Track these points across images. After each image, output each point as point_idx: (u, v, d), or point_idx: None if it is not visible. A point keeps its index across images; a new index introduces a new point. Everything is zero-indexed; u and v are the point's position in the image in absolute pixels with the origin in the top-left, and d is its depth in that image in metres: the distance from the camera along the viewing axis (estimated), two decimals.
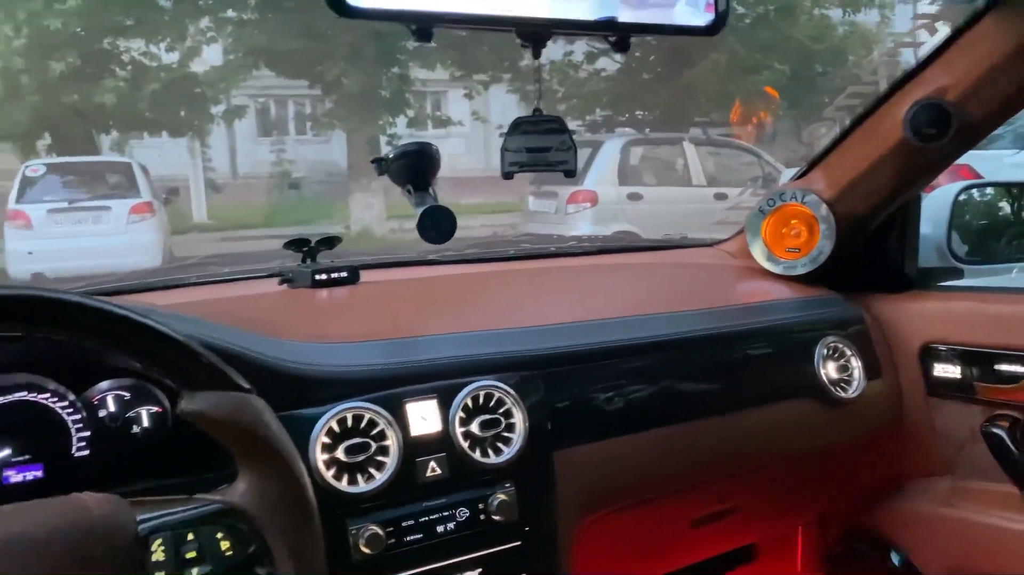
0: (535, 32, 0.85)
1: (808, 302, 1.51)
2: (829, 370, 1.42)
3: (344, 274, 1.41)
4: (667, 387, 1.30)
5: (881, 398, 1.48)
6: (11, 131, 10.67)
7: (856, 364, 1.45)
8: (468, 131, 16.33)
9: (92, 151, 11.60)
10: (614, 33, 0.84)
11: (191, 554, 0.71)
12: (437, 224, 1.17)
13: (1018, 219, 1.81)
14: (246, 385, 0.77)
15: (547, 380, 1.19)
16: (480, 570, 1.10)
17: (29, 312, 0.69)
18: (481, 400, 1.13)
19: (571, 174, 0.99)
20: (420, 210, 1.19)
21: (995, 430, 1.35)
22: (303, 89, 13.98)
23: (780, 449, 1.40)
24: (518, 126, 0.96)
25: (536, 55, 0.89)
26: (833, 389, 1.41)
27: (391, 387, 1.09)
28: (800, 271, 1.56)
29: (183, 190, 14.46)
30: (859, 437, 1.47)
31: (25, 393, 0.99)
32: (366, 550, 1.02)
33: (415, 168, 1.25)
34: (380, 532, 1.03)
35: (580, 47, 13.20)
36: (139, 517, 0.71)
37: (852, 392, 1.42)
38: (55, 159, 10.32)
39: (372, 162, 1.27)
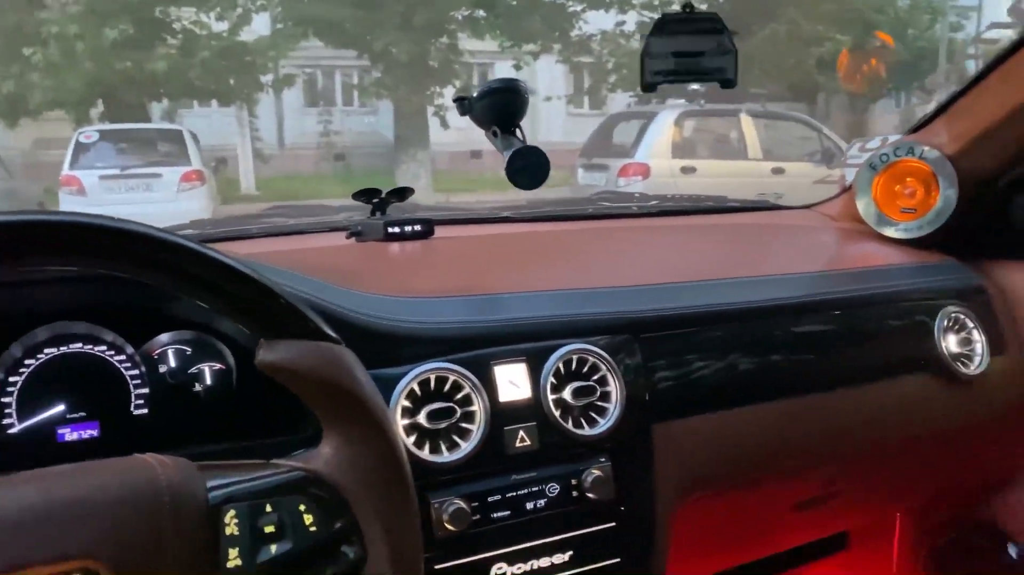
0: None
1: (925, 268, 1.36)
2: (950, 343, 1.28)
3: (418, 227, 1.31)
4: (775, 358, 1.17)
5: (1004, 376, 1.33)
6: (66, 98, 10.75)
7: (979, 338, 1.30)
8: None
9: (144, 119, 11.67)
10: None
11: (269, 528, 0.60)
12: (527, 167, 1.05)
13: None
14: (333, 334, 0.66)
15: (645, 345, 1.07)
16: (571, 553, 0.99)
17: (95, 242, 0.58)
18: (574, 365, 1.02)
19: (729, 84, 0.85)
20: (508, 153, 1.08)
21: None
22: (351, 59, 13.90)
23: (894, 430, 1.26)
24: (664, 25, 0.82)
25: None
26: (954, 364, 1.27)
27: (477, 347, 0.98)
28: (916, 234, 1.41)
29: (231, 160, 14.54)
30: (979, 418, 1.33)
31: (81, 344, 0.90)
32: (450, 527, 0.91)
33: (502, 107, 1.13)
34: (465, 507, 0.93)
35: (633, 16, 12.90)
36: (209, 483, 0.61)
37: (974, 368, 1.28)
38: (108, 126, 10.38)
39: (455, 101, 1.15)
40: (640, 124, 9.31)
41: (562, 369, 1.01)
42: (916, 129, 1.44)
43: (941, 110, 1.39)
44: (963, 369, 1.27)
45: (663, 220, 1.63)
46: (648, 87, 0.85)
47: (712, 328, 1.13)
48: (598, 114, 13.48)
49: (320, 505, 0.62)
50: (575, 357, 1.02)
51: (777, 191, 7.92)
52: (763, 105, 9.92)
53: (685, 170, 8.79)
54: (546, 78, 15.60)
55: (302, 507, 0.62)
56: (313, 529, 0.61)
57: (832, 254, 1.45)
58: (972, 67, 14.57)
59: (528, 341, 1.01)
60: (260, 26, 12.58)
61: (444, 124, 12.70)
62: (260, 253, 1.18)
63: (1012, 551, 1.39)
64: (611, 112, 12.08)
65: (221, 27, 11.80)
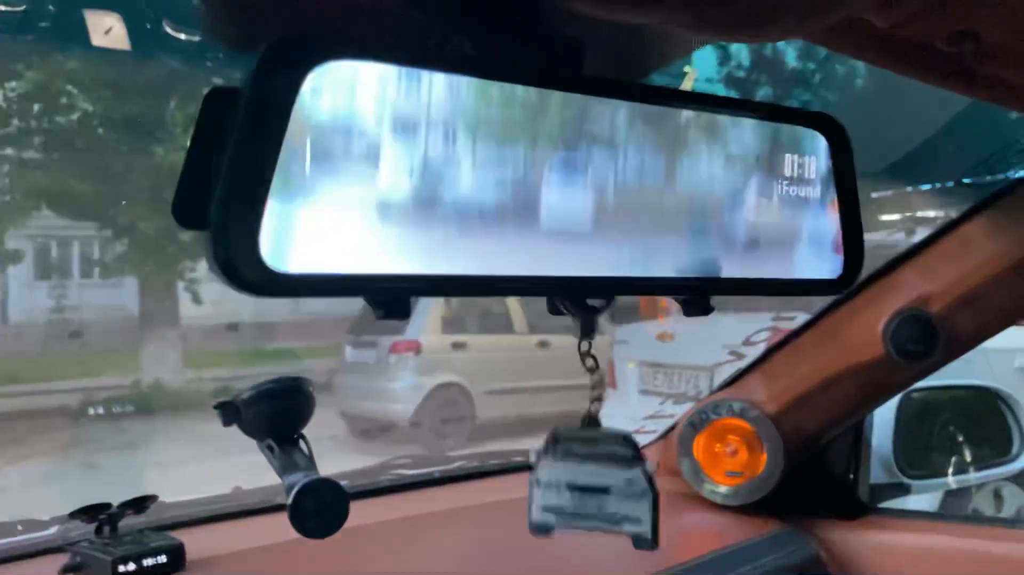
0: (584, 299, 0.52)
1: (763, 544, 1.24)
2: None
3: (163, 559, 0.97)
4: None
5: None
6: None
7: None
8: None
9: None
10: (705, 294, 0.53)
11: None
12: (321, 508, 0.79)
13: (961, 427, 1.69)
14: None
15: None
16: None
17: None
18: None
19: (646, 545, 0.64)
20: (293, 485, 0.81)
21: None
22: (91, 230, 12.88)
23: None
24: (558, 442, 0.60)
25: (588, 332, 0.56)
26: None
27: None
28: (744, 500, 1.30)
29: None
30: None
31: None
32: None
33: (280, 416, 0.88)
34: None
35: None
36: None
37: None
38: None
39: (216, 408, 0.88)
40: None
41: None
42: (728, 384, 1.36)
43: (754, 365, 1.33)
44: None
45: (442, 494, 1.42)
46: (538, 527, 0.62)
47: None
48: None
49: None
50: None
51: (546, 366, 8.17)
52: None
53: (456, 346, 8.85)
54: None
55: None
56: None
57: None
58: None
59: None
60: None
61: (196, 299, 11.91)
62: None
63: None
64: None
65: None
